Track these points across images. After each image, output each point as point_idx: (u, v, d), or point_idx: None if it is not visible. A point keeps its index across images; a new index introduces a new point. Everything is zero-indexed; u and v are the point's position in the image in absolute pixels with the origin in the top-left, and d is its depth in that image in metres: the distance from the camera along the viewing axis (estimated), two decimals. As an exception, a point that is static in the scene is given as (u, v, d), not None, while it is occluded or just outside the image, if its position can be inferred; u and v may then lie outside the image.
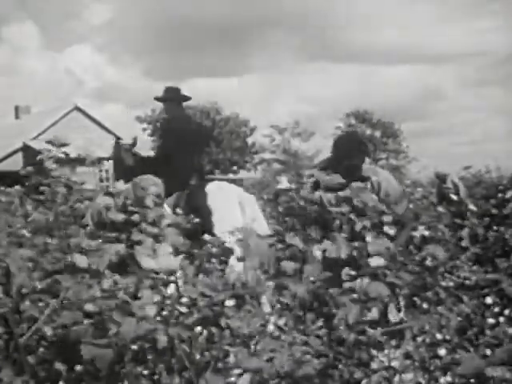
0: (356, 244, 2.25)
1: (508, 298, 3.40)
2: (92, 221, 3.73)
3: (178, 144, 5.06)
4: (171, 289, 2.24)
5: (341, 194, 2.44)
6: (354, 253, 2.22)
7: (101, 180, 8.51)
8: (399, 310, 2.75)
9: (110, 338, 1.98)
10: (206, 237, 2.83)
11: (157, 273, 2.36)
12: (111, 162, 5.66)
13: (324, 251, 2.31)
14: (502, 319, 3.17)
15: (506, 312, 3.19)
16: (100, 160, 6.39)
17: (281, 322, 2.22)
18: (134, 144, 5.40)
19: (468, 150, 62.76)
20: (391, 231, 2.46)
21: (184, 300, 2.19)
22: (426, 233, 5.50)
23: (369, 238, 2.27)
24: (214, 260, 2.70)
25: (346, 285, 2.27)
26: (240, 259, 2.43)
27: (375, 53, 71.36)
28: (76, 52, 72.76)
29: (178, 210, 3.74)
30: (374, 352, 2.17)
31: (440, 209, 7.71)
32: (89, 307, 2.02)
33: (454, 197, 8.86)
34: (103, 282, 2.18)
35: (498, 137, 66.90)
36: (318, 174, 2.60)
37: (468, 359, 1.91)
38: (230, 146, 43.57)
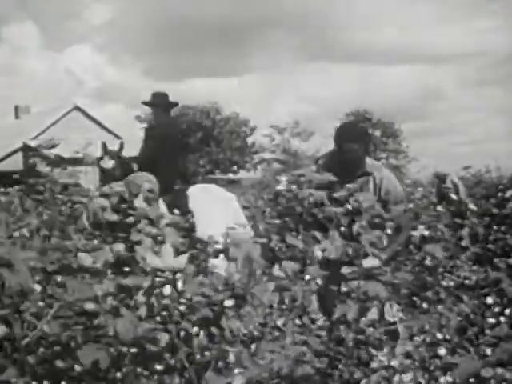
0: (352, 244, 2.24)
1: (508, 297, 3.40)
2: (88, 221, 3.76)
3: (161, 149, 5.09)
4: (168, 289, 2.24)
5: (336, 195, 2.42)
6: (350, 252, 2.22)
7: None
8: (402, 310, 2.76)
9: (109, 337, 1.98)
10: (204, 237, 2.82)
11: (161, 271, 2.36)
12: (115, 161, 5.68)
13: (323, 251, 2.30)
14: (502, 319, 3.17)
15: (507, 312, 3.19)
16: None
17: (279, 323, 2.22)
18: (120, 149, 5.45)
19: (468, 150, 62.72)
20: (388, 231, 2.45)
21: (183, 300, 2.19)
22: (426, 232, 5.51)
23: (364, 239, 2.26)
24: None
25: (343, 287, 2.27)
26: (230, 260, 2.43)
27: (375, 53, 71.31)
28: (76, 52, 72.73)
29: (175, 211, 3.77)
30: (373, 351, 2.17)
31: (440, 208, 7.71)
32: (90, 306, 2.02)
33: (454, 196, 8.86)
34: (105, 281, 2.18)
35: (498, 137, 66.86)
36: (309, 173, 2.58)
37: (465, 361, 1.91)
38: (230, 146, 43.56)
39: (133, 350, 2.04)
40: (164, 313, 2.18)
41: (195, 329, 2.13)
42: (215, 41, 73.21)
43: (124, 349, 2.00)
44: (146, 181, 3.70)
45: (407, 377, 2.38)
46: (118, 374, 2.05)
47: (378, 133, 46.55)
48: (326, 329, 2.27)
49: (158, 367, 2.12)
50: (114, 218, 2.66)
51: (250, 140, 44.95)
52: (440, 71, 74.76)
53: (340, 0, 76.01)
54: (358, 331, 2.19)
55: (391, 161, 44.84)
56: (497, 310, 3.27)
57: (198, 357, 2.12)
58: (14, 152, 26.03)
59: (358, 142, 3.60)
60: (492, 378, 1.80)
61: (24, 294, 2.01)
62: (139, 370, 2.10)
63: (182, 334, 2.11)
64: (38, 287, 2.11)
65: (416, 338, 2.92)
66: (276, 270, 2.37)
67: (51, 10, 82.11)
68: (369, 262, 2.35)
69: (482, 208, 8.09)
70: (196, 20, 68.06)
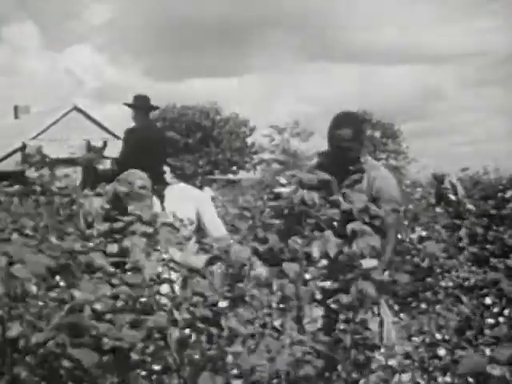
0: (346, 247, 2.23)
1: (507, 298, 3.41)
2: (85, 223, 3.79)
3: (140, 152, 5.15)
4: (165, 288, 2.24)
5: (332, 197, 2.41)
6: (345, 252, 2.21)
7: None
8: (400, 311, 2.75)
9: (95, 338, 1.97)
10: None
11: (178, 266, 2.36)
12: (110, 161, 5.72)
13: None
14: (501, 319, 3.18)
15: (506, 312, 3.19)
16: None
17: (277, 323, 2.23)
18: (103, 147, 5.50)
19: (468, 150, 62.78)
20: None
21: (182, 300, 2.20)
22: (424, 233, 5.52)
23: (357, 240, 2.24)
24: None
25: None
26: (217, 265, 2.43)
27: (375, 53, 71.45)
28: (76, 52, 72.76)
29: None
30: (368, 352, 2.17)
31: (438, 210, 7.72)
32: (98, 306, 2.01)
33: (453, 197, 8.88)
34: (113, 281, 2.18)
35: (498, 137, 66.95)
36: (300, 173, 2.55)
37: (468, 357, 1.89)
38: (230, 147, 43.55)
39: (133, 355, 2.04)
40: (162, 313, 2.18)
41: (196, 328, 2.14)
42: (215, 41, 73.32)
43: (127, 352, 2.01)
44: (138, 178, 3.74)
45: (406, 377, 2.38)
46: (118, 375, 2.06)
47: (377, 133, 46.55)
48: (324, 329, 2.27)
49: (156, 367, 2.12)
50: (105, 226, 2.67)
51: (249, 140, 44.94)
52: (440, 71, 74.92)
53: (340, 0, 76.09)
54: (354, 332, 2.19)
55: (391, 161, 44.84)
56: (496, 310, 3.27)
57: (196, 356, 2.13)
58: (14, 152, 26.02)
59: (348, 127, 3.50)
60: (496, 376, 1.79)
61: (28, 294, 2.01)
62: (138, 370, 2.11)
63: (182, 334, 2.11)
64: (34, 288, 2.10)
65: (415, 339, 2.92)
66: (257, 270, 2.36)
67: (51, 10, 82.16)
68: (367, 263, 2.34)
69: (481, 209, 8.10)
70: (196, 20, 68.15)
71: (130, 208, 3.56)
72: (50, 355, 1.92)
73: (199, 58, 74.65)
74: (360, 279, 2.15)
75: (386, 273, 2.36)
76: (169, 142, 5.63)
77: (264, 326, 2.21)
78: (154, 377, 2.12)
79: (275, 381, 2.03)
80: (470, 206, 8.35)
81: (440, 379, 2.50)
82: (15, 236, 3.17)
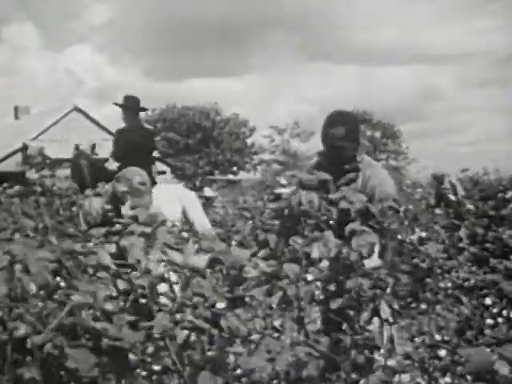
0: (345, 247, 2.23)
1: (507, 298, 3.41)
2: (85, 223, 3.82)
3: (129, 152, 5.22)
4: (162, 287, 2.25)
5: (331, 197, 2.41)
6: (344, 253, 2.20)
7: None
8: (399, 312, 2.75)
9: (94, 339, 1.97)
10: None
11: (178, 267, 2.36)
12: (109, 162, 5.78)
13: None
14: (500, 320, 3.18)
15: (504, 313, 3.20)
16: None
17: (277, 323, 2.23)
18: (92, 149, 5.58)
19: (468, 151, 62.85)
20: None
21: (181, 300, 2.20)
22: (424, 234, 5.52)
23: (355, 241, 2.24)
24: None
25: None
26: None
27: (375, 53, 71.49)
28: (76, 52, 72.85)
29: None
30: (367, 353, 2.18)
31: (438, 211, 7.73)
32: (108, 306, 2.01)
33: (452, 197, 8.88)
34: (118, 282, 2.18)
35: (498, 137, 67.00)
36: (300, 174, 2.55)
37: (475, 354, 1.86)
38: (230, 147, 43.55)
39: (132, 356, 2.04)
40: (166, 314, 2.18)
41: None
42: (215, 41, 73.32)
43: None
44: (137, 174, 3.78)
45: (406, 377, 2.38)
46: (118, 375, 2.06)
47: (378, 134, 46.57)
48: (324, 330, 2.28)
49: (157, 367, 2.13)
50: (101, 231, 2.67)
51: (249, 141, 44.95)
52: (440, 71, 74.97)
53: (340, 0, 76.08)
54: (354, 332, 2.19)
55: (391, 162, 44.85)
56: (495, 310, 3.28)
57: (197, 356, 2.13)
58: (14, 153, 26.02)
59: (341, 126, 3.48)
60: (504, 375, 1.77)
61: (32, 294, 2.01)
62: (137, 370, 2.11)
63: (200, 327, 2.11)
64: (34, 288, 2.10)
65: (415, 339, 2.92)
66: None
67: (51, 10, 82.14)
68: (371, 263, 2.34)
69: (481, 209, 8.10)
70: (196, 20, 68.18)
71: (127, 206, 3.58)
72: (49, 356, 1.92)
73: (199, 57, 74.73)
74: (359, 278, 2.14)
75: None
76: (156, 142, 5.77)
77: (264, 326, 2.21)
78: (154, 377, 2.12)
79: (275, 381, 2.04)
80: (469, 206, 8.35)
81: (440, 380, 2.50)
82: (16, 236, 3.17)
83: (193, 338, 2.15)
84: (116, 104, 6.17)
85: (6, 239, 2.24)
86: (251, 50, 76.53)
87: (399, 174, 26.72)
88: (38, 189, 4.91)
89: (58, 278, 2.23)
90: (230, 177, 38.06)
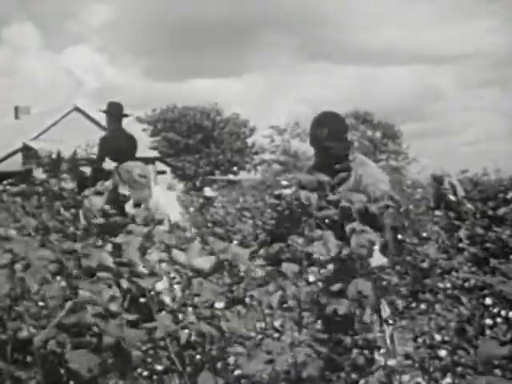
0: (346, 247, 2.23)
1: (506, 299, 3.41)
2: (85, 221, 3.84)
3: (112, 158, 5.48)
4: (160, 285, 2.25)
5: (330, 197, 2.41)
6: (345, 252, 2.20)
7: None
8: (399, 313, 2.75)
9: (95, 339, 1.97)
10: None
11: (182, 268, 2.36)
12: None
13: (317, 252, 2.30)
14: (499, 320, 3.18)
15: (503, 313, 3.19)
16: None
17: (277, 324, 2.23)
18: (73, 155, 5.79)
19: (468, 151, 62.87)
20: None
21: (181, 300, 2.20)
22: (424, 234, 5.52)
23: (354, 240, 2.23)
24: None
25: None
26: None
27: (375, 53, 71.49)
28: (76, 52, 72.89)
29: None
30: (369, 355, 2.18)
31: (437, 212, 7.72)
32: (113, 307, 2.01)
33: (452, 197, 8.88)
34: (122, 281, 2.18)
35: (498, 137, 67.02)
36: (299, 175, 2.57)
37: (486, 344, 1.85)
38: (230, 147, 43.55)
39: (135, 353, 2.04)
40: (167, 314, 2.18)
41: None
42: (215, 41, 73.33)
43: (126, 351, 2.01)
44: (137, 167, 3.80)
45: (406, 378, 2.38)
46: (120, 374, 2.06)
47: (378, 134, 46.57)
48: (324, 330, 2.28)
49: (159, 367, 2.13)
50: (100, 221, 2.67)
51: (249, 141, 44.95)
52: (440, 71, 74.97)
53: (340, 0, 76.09)
54: (354, 333, 2.19)
55: (391, 162, 44.85)
56: (495, 310, 3.27)
57: (197, 357, 2.13)
58: (14, 153, 26.03)
59: (328, 127, 3.50)
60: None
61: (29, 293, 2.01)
62: (139, 370, 2.11)
63: (203, 329, 2.11)
64: (35, 286, 2.10)
65: (416, 340, 2.92)
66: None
67: (51, 11, 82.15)
68: (376, 261, 2.34)
69: (481, 210, 8.10)
70: (196, 20, 68.20)
71: (131, 203, 3.59)
72: (50, 355, 1.92)
73: (199, 57, 74.77)
74: (360, 280, 2.14)
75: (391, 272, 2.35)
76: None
77: (265, 326, 2.21)
78: (154, 377, 2.13)
79: (275, 381, 2.04)
80: (469, 206, 8.36)
81: (443, 382, 2.50)
82: (16, 235, 3.18)
83: (193, 338, 2.15)
84: (100, 110, 6.44)
85: (7, 238, 2.24)
86: (251, 49, 76.58)
87: (399, 173, 26.74)
88: (40, 189, 4.92)
89: (59, 278, 2.24)
90: (231, 177, 38.05)
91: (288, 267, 2.30)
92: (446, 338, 2.95)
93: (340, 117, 3.64)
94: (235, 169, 43.71)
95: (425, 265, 4.80)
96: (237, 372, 2.10)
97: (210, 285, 2.21)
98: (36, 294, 2.09)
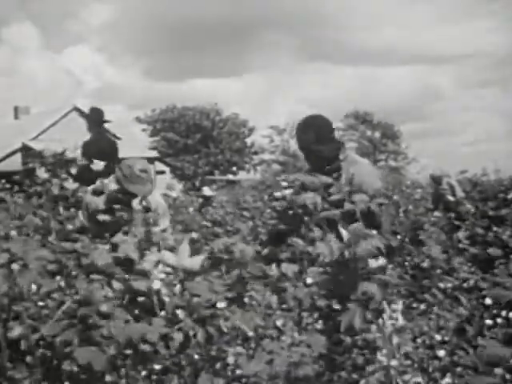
0: (348, 249, 2.22)
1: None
2: (85, 219, 3.85)
3: (94, 159, 5.85)
4: (157, 284, 2.24)
5: (332, 198, 2.40)
6: (347, 253, 2.20)
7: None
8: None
9: (104, 338, 1.97)
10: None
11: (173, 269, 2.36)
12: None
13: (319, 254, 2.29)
14: (500, 320, 3.17)
15: (503, 313, 3.19)
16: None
17: (279, 323, 2.22)
18: (62, 153, 6.03)
19: (468, 151, 62.89)
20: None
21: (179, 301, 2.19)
22: (423, 237, 5.52)
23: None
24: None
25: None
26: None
27: (375, 53, 71.49)
28: (75, 52, 72.89)
29: None
30: (370, 355, 2.17)
31: (436, 213, 7.70)
32: (103, 308, 2.01)
33: (451, 198, 8.87)
34: (113, 282, 2.17)
35: (498, 137, 67.03)
36: (302, 176, 2.56)
37: (490, 346, 1.85)
38: (230, 147, 43.52)
39: (129, 351, 2.04)
40: (162, 313, 2.18)
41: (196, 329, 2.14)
42: (215, 41, 73.31)
43: (123, 349, 2.00)
44: (138, 162, 3.83)
45: (406, 378, 2.37)
46: (117, 375, 2.05)
47: (377, 134, 46.56)
48: (325, 330, 2.27)
49: (157, 367, 2.12)
50: (106, 218, 2.67)
51: (248, 141, 44.92)
52: (440, 71, 74.97)
53: (340, 0, 76.09)
54: (355, 334, 2.19)
55: (390, 162, 44.84)
56: (495, 311, 3.27)
57: (196, 357, 2.12)
58: (13, 153, 26.00)
59: (312, 131, 3.51)
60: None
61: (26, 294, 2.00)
62: (137, 370, 2.10)
63: (196, 330, 2.11)
64: (34, 286, 2.10)
65: (416, 340, 2.91)
66: (272, 270, 2.37)
67: (50, 11, 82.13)
68: (375, 263, 2.33)
69: (481, 210, 8.09)
70: (196, 20, 68.17)
71: (137, 200, 3.61)
72: (55, 353, 1.92)
73: (199, 57, 74.77)
74: (366, 281, 2.14)
75: (393, 272, 2.35)
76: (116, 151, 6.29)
77: (264, 326, 2.21)
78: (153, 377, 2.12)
79: (274, 382, 2.03)
80: (468, 206, 8.35)
81: (442, 381, 2.50)
82: (15, 235, 3.17)
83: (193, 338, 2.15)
84: (81, 116, 6.71)
85: (5, 237, 2.24)
86: (251, 49, 76.59)
87: (398, 174, 26.71)
88: (40, 188, 4.93)
89: (58, 278, 2.23)
90: (230, 177, 38.03)
91: (288, 267, 2.30)
92: (446, 338, 2.95)
93: (324, 118, 3.66)
94: (234, 169, 43.68)
95: (425, 265, 4.79)
96: (237, 372, 2.10)
97: (205, 284, 2.20)
98: (35, 294, 2.08)
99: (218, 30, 71.92)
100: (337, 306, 2.24)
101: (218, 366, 2.13)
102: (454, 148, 65.34)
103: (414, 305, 3.95)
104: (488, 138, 67.38)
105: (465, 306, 3.62)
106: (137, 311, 2.18)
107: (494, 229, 6.77)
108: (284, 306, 2.33)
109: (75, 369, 2.03)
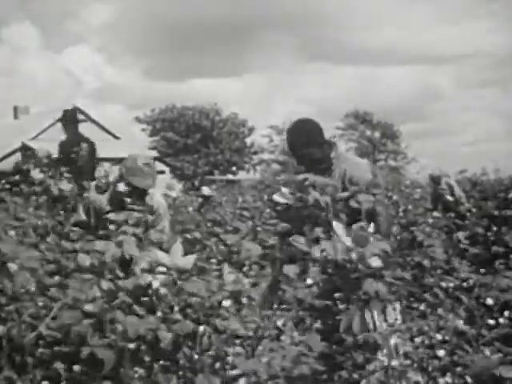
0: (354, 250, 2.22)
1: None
2: (85, 215, 3.87)
3: (71, 159, 5.99)
4: (156, 283, 2.24)
5: (340, 196, 2.41)
6: (353, 254, 2.20)
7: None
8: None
9: (109, 338, 1.97)
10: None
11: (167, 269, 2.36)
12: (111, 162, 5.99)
13: (323, 251, 2.29)
14: (501, 320, 3.17)
15: (506, 313, 3.19)
16: (99, 160, 6.74)
17: (279, 323, 2.22)
18: (48, 156, 6.12)
19: (468, 151, 62.90)
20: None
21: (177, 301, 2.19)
22: (421, 237, 5.51)
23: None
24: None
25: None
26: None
27: (375, 53, 71.47)
28: (75, 52, 72.89)
29: None
30: (370, 355, 2.17)
31: (436, 214, 7.70)
32: (89, 307, 2.01)
33: (450, 197, 8.86)
34: (102, 282, 2.17)
35: (498, 137, 67.06)
36: (312, 177, 2.58)
37: (480, 359, 1.86)
38: (229, 147, 43.52)
39: (133, 347, 2.03)
40: (159, 313, 2.17)
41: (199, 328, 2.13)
42: (215, 41, 73.30)
43: (130, 345, 2.00)
44: (140, 157, 3.88)
45: (406, 378, 2.37)
46: (117, 374, 2.05)
47: (377, 134, 46.58)
48: (325, 330, 2.27)
49: (156, 366, 2.12)
50: (112, 215, 2.68)
51: (248, 140, 44.93)
52: (440, 71, 74.98)
53: (340, 0, 76.12)
54: (355, 334, 2.18)
55: (390, 162, 44.87)
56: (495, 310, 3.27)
57: (196, 357, 2.12)
58: (13, 152, 25.99)
59: (303, 135, 3.57)
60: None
61: (22, 294, 2.00)
62: (137, 369, 2.10)
63: (185, 330, 2.10)
64: (33, 286, 2.10)
65: (416, 340, 2.91)
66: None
67: (50, 11, 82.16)
68: (374, 262, 2.33)
69: (481, 210, 8.09)
70: (196, 20, 68.13)
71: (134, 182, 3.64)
72: (44, 354, 1.91)
73: (199, 57, 74.78)
74: (369, 280, 2.14)
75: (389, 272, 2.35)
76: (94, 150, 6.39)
77: (264, 326, 2.21)
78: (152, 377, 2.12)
79: (274, 381, 2.03)
80: (467, 205, 8.36)
81: (441, 380, 2.49)
82: (9, 236, 3.16)
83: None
84: (56, 119, 6.86)
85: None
86: (251, 49, 76.60)
87: (398, 173, 26.73)
88: (38, 188, 4.94)
89: (57, 277, 2.23)
90: (230, 177, 38.03)
91: (289, 268, 2.29)
92: (446, 338, 2.94)
93: (313, 121, 3.72)
94: (234, 169, 43.68)
95: (425, 264, 4.79)
96: (236, 371, 2.10)
97: (202, 283, 2.20)
98: (34, 294, 2.08)
99: (218, 30, 71.98)
100: (337, 306, 2.24)
101: (217, 365, 2.12)
102: (453, 148, 65.36)
103: (415, 305, 3.95)
104: (488, 137, 67.43)
105: (465, 305, 3.62)
106: (137, 308, 2.18)
107: (494, 229, 6.77)
108: (283, 306, 2.33)
109: (75, 369, 2.03)
